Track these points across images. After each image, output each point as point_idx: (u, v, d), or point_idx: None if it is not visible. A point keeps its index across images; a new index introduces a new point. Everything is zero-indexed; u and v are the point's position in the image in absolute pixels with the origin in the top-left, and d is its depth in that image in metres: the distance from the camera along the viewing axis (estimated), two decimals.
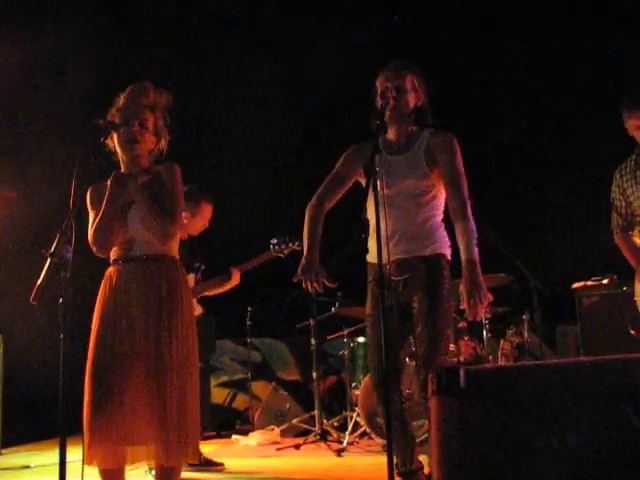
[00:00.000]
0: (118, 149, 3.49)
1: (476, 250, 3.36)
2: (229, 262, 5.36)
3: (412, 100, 3.59)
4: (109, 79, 5.61)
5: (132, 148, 3.44)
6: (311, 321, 6.78)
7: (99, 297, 3.38)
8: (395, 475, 2.97)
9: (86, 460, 3.16)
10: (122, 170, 3.49)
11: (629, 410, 2.06)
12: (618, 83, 6.73)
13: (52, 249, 3.03)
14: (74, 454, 3.33)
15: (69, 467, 2.91)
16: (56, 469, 2.91)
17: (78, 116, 5.56)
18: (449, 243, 3.58)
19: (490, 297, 3.31)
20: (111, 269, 3.41)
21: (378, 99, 3.58)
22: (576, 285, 6.53)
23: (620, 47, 7.17)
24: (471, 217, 3.42)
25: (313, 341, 6.74)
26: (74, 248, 3.17)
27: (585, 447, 2.07)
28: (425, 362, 3.39)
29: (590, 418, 2.11)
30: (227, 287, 5.24)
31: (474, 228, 3.41)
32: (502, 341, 6.55)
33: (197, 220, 5.33)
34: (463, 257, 3.35)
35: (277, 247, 5.31)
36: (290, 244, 5.28)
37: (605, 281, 6.36)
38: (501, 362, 6.37)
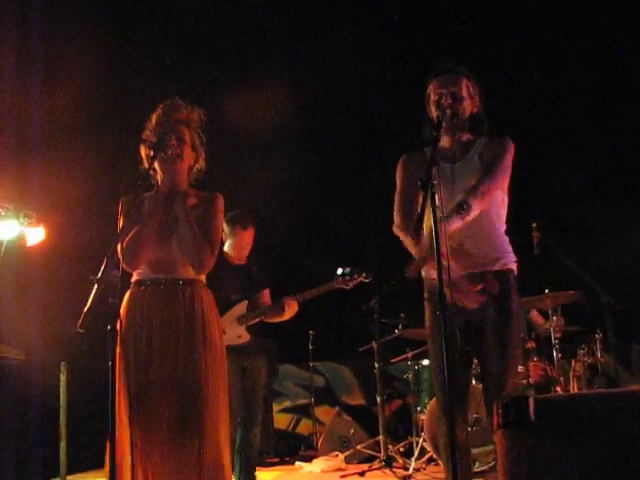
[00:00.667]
0: (157, 167, 3.40)
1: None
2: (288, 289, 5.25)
3: (468, 108, 3.39)
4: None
5: (174, 163, 3.35)
6: (374, 344, 6.63)
7: (124, 320, 3.14)
8: None
9: None
10: (159, 187, 3.41)
11: None
12: None
13: (99, 275, 2.97)
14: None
15: None
16: None
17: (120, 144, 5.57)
18: (515, 258, 3.40)
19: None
20: (136, 290, 3.30)
21: (432, 107, 3.39)
22: None
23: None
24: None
25: (377, 364, 6.58)
26: (121, 274, 3.11)
27: None
28: (495, 384, 3.20)
29: None
30: (285, 318, 5.02)
31: None
32: (573, 362, 6.28)
33: (233, 245, 5.17)
34: None
35: (343, 278, 5.07)
36: (356, 276, 5.04)
37: None
38: (573, 384, 6.10)
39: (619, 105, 7.34)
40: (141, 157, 3.44)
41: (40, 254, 5.95)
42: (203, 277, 3.37)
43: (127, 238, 3.21)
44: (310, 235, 8.10)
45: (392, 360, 7.01)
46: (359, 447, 6.68)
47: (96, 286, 2.96)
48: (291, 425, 7.67)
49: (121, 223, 3.31)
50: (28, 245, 5.37)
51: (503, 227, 3.41)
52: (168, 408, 3.11)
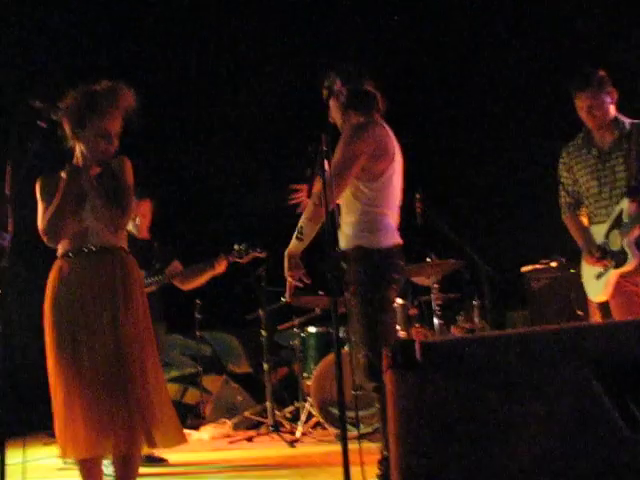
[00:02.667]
0: (81, 145, 3.48)
1: None
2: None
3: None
4: None
5: (104, 156, 3.48)
6: (261, 312, 6.70)
7: (49, 291, 3.39)
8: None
9: (61, 453, 3.26)
10: (75, 161, 3.50)
11: (592, 377, 2.03)
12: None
13: None
14: (15, 457, 3.24)
15: (9, 469, 2.84)
16: None
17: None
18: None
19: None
20: (61, 262, 3.42)
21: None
22: (524, 269, 6.58)
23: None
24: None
25: (263, 332, 6.67)
26: (12, 236, 3.07)
27: (550, 416, 2.04)
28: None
29: (554, 386, 2.07)
30: (208, 276, 5.21)
31: None
32: (453, 327, 6.56)
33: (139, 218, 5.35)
34: None
35: (238, 252, 5.25)
36: (251, 250, 5.24)
37: (553, 264, 6.42)
38: None
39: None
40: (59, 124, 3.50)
41: None
42: (124, 243, 3.52)
43: (43, 216, 3.41)
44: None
45: (279, 327, 7.11)
46: (246, 414, 6.75)
47: None
48: (179, 395, 7.62)
49: (40, 203, 3.46)
50: None
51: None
52: (95, 366, 3.25)
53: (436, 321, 6.27)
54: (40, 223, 3.42)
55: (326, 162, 3.22)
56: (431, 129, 7.89)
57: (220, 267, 5.18)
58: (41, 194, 3.48)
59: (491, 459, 2.08)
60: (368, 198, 3.57)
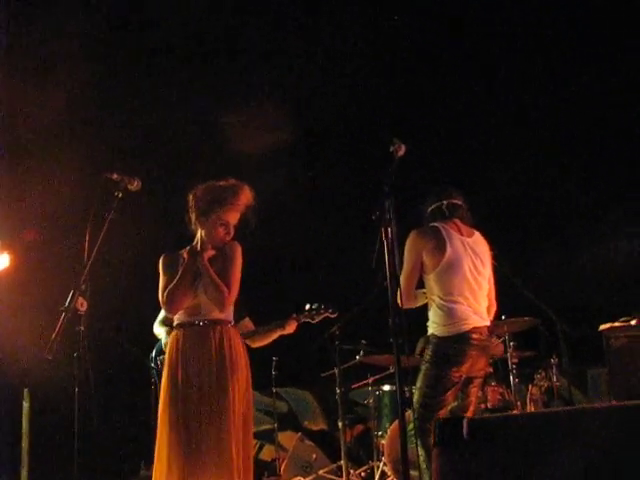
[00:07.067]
0: (203, 232, 4.01)
1: None
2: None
3: None
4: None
5: (220, 242, 4.01)
6: (335, 370, 6.72)
7: (167, 358, 3.91)
8: None
9: None
10: (195, 243, 4.03)
11: None
12: None
13: (67, 304, 3.07)
14: None
15: None
16: None
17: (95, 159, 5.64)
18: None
19: None
20: (177, 332, 3.94)
21: None
22: (603, 327, 6.41)
23: None
24: None
25: (338, 390, 6.68)
26: (89, 302, 3.22)
27: None
28: None
29: (606, 467, 2.03)
30: (275, 335, 5.26)
31: None
32: (530, 386, 6.44)
33: None
34: None
35: (309, 313, 5.27)
36: (322, 311, 5.27)
37: (633, 322, 6.25)
38: (530, 407, 6.25)
39: None
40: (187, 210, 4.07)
41: (4, 281, 5.98)
42: (230, 316, 4.02)
43: (163, 289, 3.92)
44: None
45: (353, 386, 7.10)
46: (321, 472, 6.73)
47: (64, 315, 3.07)
48: (255, 451, 7.68)
49: (162, 277, 3.99)
50: None
51: None
52: (199, 428, 3.69)
53: (512, 379, 6.16)
54: (161, 295, 3.92)
55: (390, 228, 3.33)
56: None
57: (290, 328, 5.21)
58: (163, 269, 4.00)
59: None
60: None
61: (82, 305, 3.23)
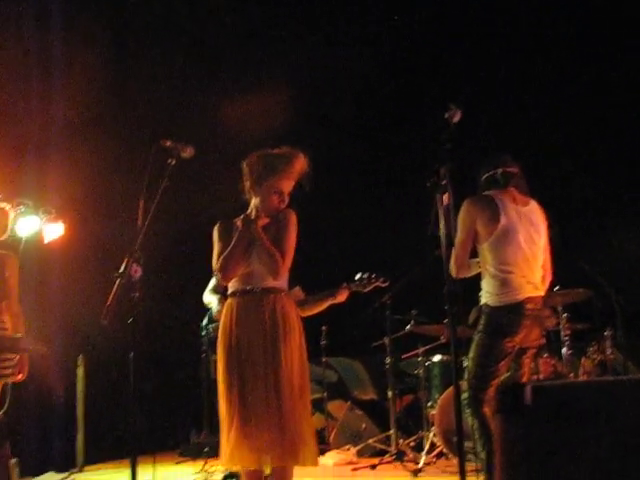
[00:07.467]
0: (257, 200, 3.99)
1: None
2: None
3: None
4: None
5: (274, 210, 3.98)
6: (386, 340, 6.72)
7: (222, 326, 3.91)
8: None
9: (227, 463, 3.76)
10: (249, 211, 4.02)
11: None
12: None
13: (121, 270, 3.10)
14: (145, 472, 3.38)
15: None
16: None
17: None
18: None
19: None
20: (231, 300, 3.94)
21: None
22: None
23: None
24: None
25: (388, 360, 6.68)
26: (144, 268, 3.25)
27: None
28: None
29: None
30: (326, 304, 5.25)
31: None
32: (583, 359, 6.35)
33: None
34: None
35: (361, 282, 5.22)
36: (374, 280, 5.20)
37: None
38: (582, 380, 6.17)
39: None
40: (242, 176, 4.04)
41: (59, 249, 6.08)
42: (284, 285, 4.00)
43: (218, 257, 3.92)
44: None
45: (403, 356, 7.09)
46: (371, 441, 6.77)
47: (118, 281, 3.11)
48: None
49: (216, 245, 3.98)
50: (47, 241, 5.51)
51: None
52: (257, 394, 3.72)
53: (565, 351, 6.09)
54: (215, 263, 3.92)
55: (446, 195, 3.28)
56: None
57: (341, 297, 5.18)
58: (218, 237, 3.99)
59: None
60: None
61: (136, 272, 3.25)
